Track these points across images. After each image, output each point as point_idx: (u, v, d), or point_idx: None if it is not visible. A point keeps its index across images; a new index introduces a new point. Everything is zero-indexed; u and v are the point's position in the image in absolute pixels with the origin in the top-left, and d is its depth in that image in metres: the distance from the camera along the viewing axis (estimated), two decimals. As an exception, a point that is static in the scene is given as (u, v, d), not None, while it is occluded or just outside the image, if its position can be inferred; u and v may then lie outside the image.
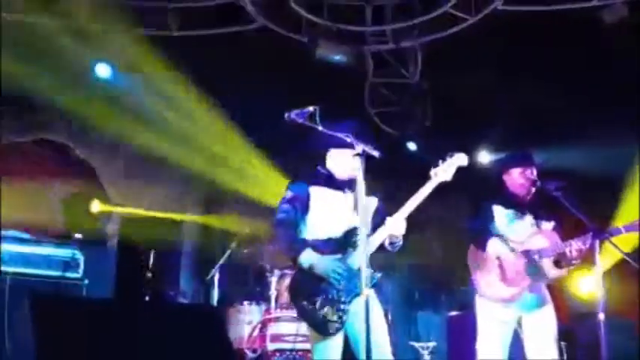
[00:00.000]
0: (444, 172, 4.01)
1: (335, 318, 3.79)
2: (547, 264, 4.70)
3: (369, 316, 3.47)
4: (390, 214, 3.97)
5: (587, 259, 4.89)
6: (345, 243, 3.93)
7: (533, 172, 4.89)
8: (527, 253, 4.72)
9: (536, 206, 4.92)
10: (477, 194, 5.16)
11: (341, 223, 3.97)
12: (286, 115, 3.92)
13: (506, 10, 6.89)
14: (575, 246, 4.57)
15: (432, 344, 7.48)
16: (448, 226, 8.28)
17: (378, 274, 3.87)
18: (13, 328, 4.70)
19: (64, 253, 5.59)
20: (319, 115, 3.93)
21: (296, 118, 3.89)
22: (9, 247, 5.38)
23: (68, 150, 8.09)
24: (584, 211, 4.63)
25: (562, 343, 7.16)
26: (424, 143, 8.58)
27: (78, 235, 6.39)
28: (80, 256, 5.60)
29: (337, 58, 7.43)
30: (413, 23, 7.40)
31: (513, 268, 4.71)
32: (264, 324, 6.07)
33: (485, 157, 8.75)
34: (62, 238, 6.09)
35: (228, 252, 6.74)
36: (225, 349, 3.46)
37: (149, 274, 6.50)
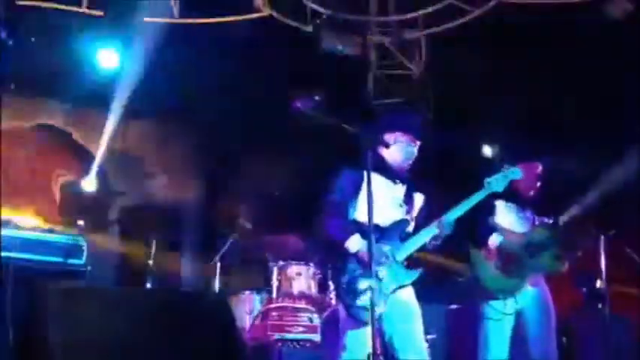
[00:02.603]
0: (497, 182, 4.09)
1: (374, 307, 3.67)
2: (547, 257, 4.74)
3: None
4: (433, 212, 4.04)
5: (590, 254, 4.94)
6: (391, 233, 3.94)
7: (538, 168, 4.92)
8: (528, 246, 4.75)
9: (538, 202, 4.96)
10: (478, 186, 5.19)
11: (388, 212, 3.96)
12: (293, 103, 3.94)
13: (510, 3, 6.86)
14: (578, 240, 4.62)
15: (430, 337, 7.46)
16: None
17: (420, 270, 3.90)
18: (16, 314, 4.70)
19: (66, 239, 5.57)
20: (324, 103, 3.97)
21: (301, 107, 3.91)
22: (11, 233, 5.36)
23: (68, 135, 8.08)
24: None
25: (563, 338, 7.21)
26: (426, 135, 8.55)
27: (80, 222, 6.39)
28: (83, 242, 5.58)
29: (341, 48, 7.40)
30: (417, 15, 7.37)
31: (514, 261, 4.73)
32: (265, 314, 6.06)
33: (487, 151, 8.74)
34: (64, 225, 6.09)
35: (229, 241, 6.73)
36: (232, 336, 3.46)
37: (150, 262, 6.48)
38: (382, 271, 3.83)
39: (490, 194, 4.86)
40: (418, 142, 4.05)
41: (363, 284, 3.78)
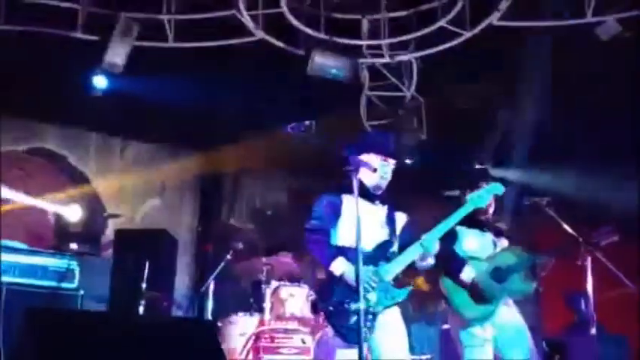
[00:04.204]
0: (479, 198, 4.11)
1: (363, 327, 3.72)
2: (516, 279, 4.81)
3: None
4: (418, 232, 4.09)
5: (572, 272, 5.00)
6: (377, 255, 3.99)
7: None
8: (495, 272, 4.81)
9: (493, 225, 5.05)
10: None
11: (370, 234, 4.00)
12: (285, 127, 4.00)
13: (502, 26, 6.94)
14: (545, 260, 4.70)
15: (425, 357, 7.47)
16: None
17: (409, 288, 3.94)
18: (8, 338, 4.71)
19: (59, 263, 5.59)
20: (315, 128, 4.02)
21: (293, 131, 3.96)
22: (4, 257, 5.38)
23: (63, 159, 8.11)
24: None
25: (556, 356, 7.22)
26: (420, 156, 8.62)
27: (73, 245, 6.41)
28: (76, 267, 5.60)
29: (333, 71, 7.46)
30: (409, 38, 7.44)
31: (485, 289, 4.78)
32: (257, 336, 6.07)
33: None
34: (58, 248, 6.11)
35: (222, 263, 6.75)
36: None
37: (143, 285, 6.48)
38: (370, 293, 3.86)
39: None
40: (393, 162, 4.05)
41: (349, 306, 3.82)
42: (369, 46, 7.68)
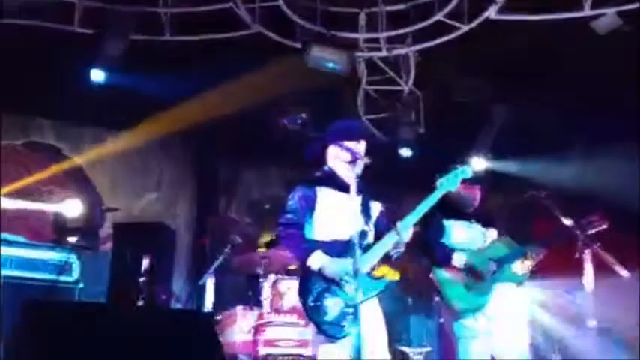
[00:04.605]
0: (448, 182, 4.10)
1: (343, 322, 3.76)
2: (508, 269, 4.85)
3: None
4: (392, 220, 4.01)
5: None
6: (353, 246, 3.84)
7: (478, 188, 5.08)
8: (488, 262, 4.85)
9: (481, 215, 5.09)
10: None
11: (346, 225, 3.88)
12: (279, 121, 3.99)
13: (499, 20, 6.93)
14: (536, 250, 4.75)
15: (424, 349, 7.50)
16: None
17: (387, 279, 3.92)
18: (7, 331, 4.72)
19: (58, 256, 5.61)
20: (310, 122, 4.02)
21: (288, 125, 3.96)
22: (3, 250, 5.39)
23: (59, 152, 8.11)
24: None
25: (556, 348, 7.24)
26: (418, 150, 8.63)
27: (72, 239, 6.43)
28: (74, 260, 5.62)
29: (330, 65, 7.45)
30: (406, 31, 7.44)
31: (478, 278, 4.81)
32: (256, 329, 6.08)
33: (479, 164, 8.80)
34: (56, 242, 6.12)
35: (221, 257, 6.75)
36: (216, 355, 3.49)
37: (142, 278, 6.49)
38: (348, 286, 3.79)
39: (438, 212, 4.93)
40: (364, 143, 4.01)
41: (329, 301, 3.79)
42: (367, 40, 7.67)
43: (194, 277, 7.51)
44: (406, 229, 3.93)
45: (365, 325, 3.66)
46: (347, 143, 4.01)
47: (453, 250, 4.89)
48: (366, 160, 3.83)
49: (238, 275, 7.30)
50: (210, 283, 6.82)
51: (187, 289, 7.85)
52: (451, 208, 5.00)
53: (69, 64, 6.88)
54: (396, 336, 8.16)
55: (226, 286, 7.45)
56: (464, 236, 5.01)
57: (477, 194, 5.13)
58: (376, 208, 4.15)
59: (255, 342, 6.01)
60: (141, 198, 8.35)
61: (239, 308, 6.45)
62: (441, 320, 7.64)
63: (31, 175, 7.95)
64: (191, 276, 8.04)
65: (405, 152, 8.54)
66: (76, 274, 5.57)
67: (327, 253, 3.86)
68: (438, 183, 4.12)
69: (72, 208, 7.41)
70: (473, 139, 8.44)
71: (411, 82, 8.10)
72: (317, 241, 3.94)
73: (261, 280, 6.45)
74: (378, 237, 4.02)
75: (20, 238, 5.63)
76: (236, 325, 6.35)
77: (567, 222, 5.11)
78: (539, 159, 8.07)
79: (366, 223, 4.02)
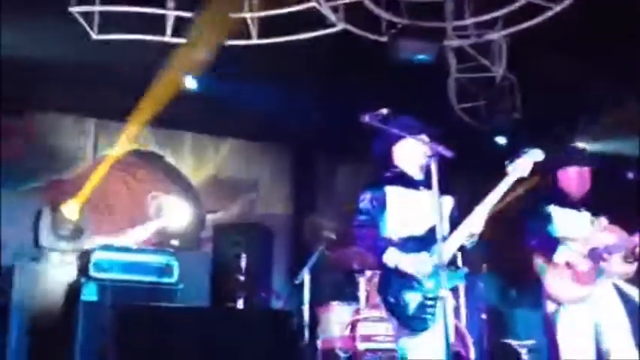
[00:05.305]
0: (521, 168, 3.98)
1: (423, 315, 3.79)
2: (616, 260, 4.59)
3: (446, 316, 3.51)
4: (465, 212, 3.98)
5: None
6: (427, 240, 3.91)
7: (588, 171, 4.84)
8: (594, 252, 4.62)
9: (591, 202, 4.83)
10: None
11: (420, 221, 3.97)
12: (361, 117, 4.02)
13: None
14: None
15: (529, 342, 7.29)
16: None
17: (465, 270, 3.92)
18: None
19: (159, 259, 5.87)
20: (392, 116, 4.01)
21: (369, 121, 3.98)
22: (109, 255, 5.71)
23: (162, 159, 8.45)
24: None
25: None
26: (514, 137, 8.40)
27: (174, 242, 6.71)
28: (174, 262, 5.86)
29: (420, 56, 7.36)
30: (495, 16, 7.23)
31: (584, 269, 4.60)
32: (353, 324, 6.13)
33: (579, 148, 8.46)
34: (159, 245, 6.42)
35: (316, 254, 6.82)
36: (296, 351, 3.55)
37: (242, 277, 6.67)
38: (425, 280, 3.82)
39: (542, 201, 4.76)
40: (427, 140, 3.96)
41: (407, 296, 3.83)
42: (455, 28, 7.52)
43: (293, 275, 7.62)
44: (475, 221, 3.91)
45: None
46: (414, 138, 3.99)
47: (557, 240, 4.70)
48: (446, 153, 3.77)
49: (335, 272, 7.36)
50: (307, 280, 6.90)
51: (288, 288, 7.97)
52: (558, 193, 4.85)
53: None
54: (501, 330, 7.99)
55: (323, 283, 7.52)
56: (570, 224, 4.78)
57: (587, 178, 4.88)
58: (448, 202, 4.11)
59: (352, 337, 6.05)
60: (239, 199, 8.57)
61: (336, 304, 6.52)
62: (547, 311, 7.41)
63: (137, 181, 8.32)
64: (290, 274, 8.16)
65: (501, 139, 8.32)
66: (176, 275, 5.82)
67: (401, 249, 3.89)
68: (508, 169, 4.01)
69: (180, 216, 7.73)
70: (572, 122, 8.12)
71: (503, 67, 7.87)
72: (391, 239, 3.97)
73: (357, 275, 6.48)
74: (452, 230, 3.99)
75: (125, 243, 5.95)
76: (334, 320, 6.42)
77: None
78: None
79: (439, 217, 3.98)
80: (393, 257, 3.88)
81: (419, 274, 3.81)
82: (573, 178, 4.85)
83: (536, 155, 4.01)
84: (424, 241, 3.91)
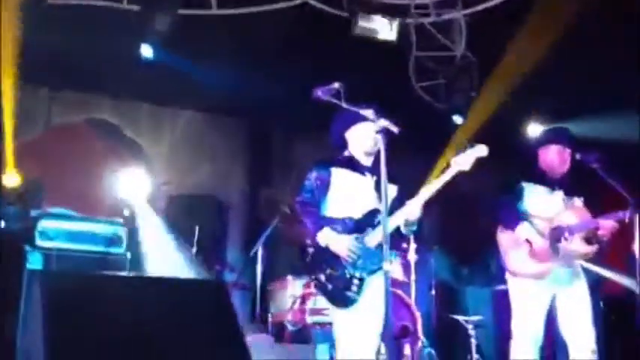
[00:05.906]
0: (463, 161, 4.06)
1: (347, 292, 3.96)
2: (577, 240, 4.64)
3: (388, 290, 3.56)
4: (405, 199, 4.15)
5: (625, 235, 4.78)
6: (364, 223, 4.07)
7: (569, 152, 4.85)
8: (556, 231, 4.67)
9: (568, 182, 4.86)
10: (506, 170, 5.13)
11: (360, 204, 4.12)
12: (313, 92, 4.02)
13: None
14: (606, 223, 4.51)
15: (476, 318, 7.41)
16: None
17: (395, 253, 4.07)
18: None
19: (108, 229, 5.81)
20: (344, 92, 4.01)
21: (321, 96, 3.99)
22: (56, 224, 5.62)
23: (117, 129, 8.31)
24: (623, 185, 4.56)
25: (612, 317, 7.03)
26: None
27: (126, 212, 6.63)
28: (123, 233, 5.82)
29: (380, 33, 7.34)
30: (455, -6, 7.25)
31: (543, 247, 4.66)
32: (303, 298, 6.16)
33: (535, 130, 8.56)
34: (109, 216, 6.33)
35: (270, 228, 6.83)
36: (228, 323, 3.57)
37: (194, 249, 6.65)
38: (355, 261, 3.98)
39: (517, 176, 4.82)
40: (380, 128, 3.94)
41: (334, 274, 4.02)
42: (416, 6, 7.52)
43: (247, 248, 7.62)
44: (413, 209, 4.05)
45: (370, 295, 3.93)
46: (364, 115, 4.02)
47: (521, 218, 4.73)
48: (393, 128, 3.79)
49: (288, 246, 7.38)
50: (260, 254, 6.92)
51: (241, 260, 7.97)
52: (535, 171, 4.89)
53: (120, 40, 7.00)
54: (450, 306, 8.12)
55: (277, 257, 7.54)
56: (540, 202, 4.81)
57: (566, 159, 4.86)
58: (392, 190, 4.18)
59: (302, 311, 6.08)
60: (194, 171, 8.49)
61: (289, 277, 6.55)
62: (501, 287, 7.52)
63: (95, 152, 8.18)
64: (245, 248, 8.15)
65: (458, 119, 8.38)
66: (125, 245, 5.78)
67: (336, 230, 4.04)
68: (452, 161, 4.09)
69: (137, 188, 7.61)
70: (529, 104, 8.20)
71: (463, 46, 7.89)
72: (331, 219, 4.12)
73: (308, 249, 6.47)
74: (391, 215, 4.04)
75: (72, 213, 5.86)
76: (287, 294, 6.46)
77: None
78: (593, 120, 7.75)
79: (380, 202, 4.03)
80: (325, 236, 4.03)
81: (345, 254, 3.97)
82: (553, 157, 4.87)
83: (480, 151, 4.08)
84: (360, 224, 4.07)
